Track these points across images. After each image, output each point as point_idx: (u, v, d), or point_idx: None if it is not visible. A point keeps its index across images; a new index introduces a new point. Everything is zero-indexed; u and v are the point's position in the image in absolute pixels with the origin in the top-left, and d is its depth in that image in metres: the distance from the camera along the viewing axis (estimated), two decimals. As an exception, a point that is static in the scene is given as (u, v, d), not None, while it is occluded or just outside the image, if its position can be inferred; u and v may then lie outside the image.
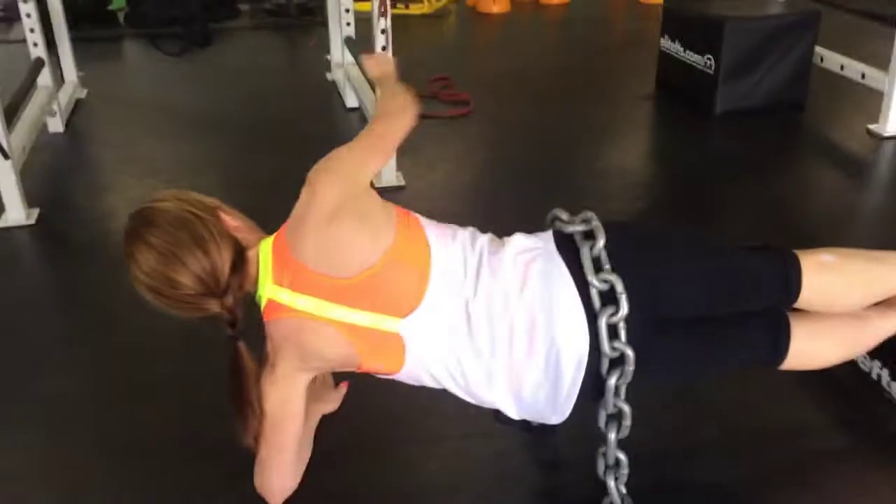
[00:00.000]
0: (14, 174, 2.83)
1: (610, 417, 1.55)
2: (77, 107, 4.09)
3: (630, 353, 1.45)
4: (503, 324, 1.47)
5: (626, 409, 1.52)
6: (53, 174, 3.36)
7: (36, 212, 2.92)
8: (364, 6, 5.90)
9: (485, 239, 1.56)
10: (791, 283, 1.62)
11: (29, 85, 3.29)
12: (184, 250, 1.40)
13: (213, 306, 1.44)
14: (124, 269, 1.43)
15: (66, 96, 4.00)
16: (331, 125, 3.86)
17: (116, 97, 4.34)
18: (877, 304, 1.74)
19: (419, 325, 1.48)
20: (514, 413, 1.58)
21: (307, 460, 1.71)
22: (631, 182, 3.24)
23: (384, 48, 3.01)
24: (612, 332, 1.46)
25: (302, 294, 1.45)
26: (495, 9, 5.98)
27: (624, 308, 1.44)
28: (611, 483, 1.59)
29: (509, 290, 1.47)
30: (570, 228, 1.53)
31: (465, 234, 1.56)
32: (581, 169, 3.34)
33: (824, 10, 3.83)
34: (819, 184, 3.25)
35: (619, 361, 1.47)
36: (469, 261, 1.50)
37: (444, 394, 1.57)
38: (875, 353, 1.92)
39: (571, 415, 1.53)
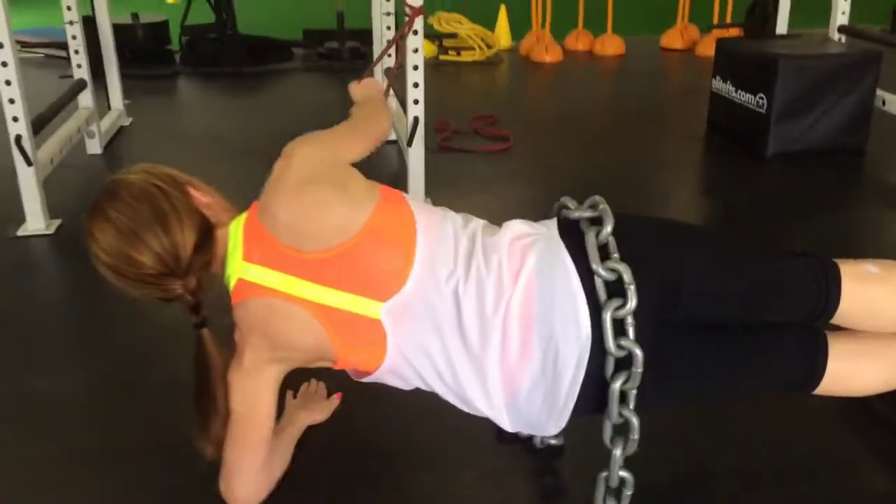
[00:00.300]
0: (37, 183, 2.81)
1: (615, 430, 1.36)
2: (119, 133, 4.11)
3: (639, 352, 1.28)
4: (496, 315, 1.31)
5: (635, 420, 1.33)
6: (82, 191, 3.32)
7: (57, 223, 2.89)
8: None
9: (479, 223, 1.42)
10: (830, 289, 1.43)
11: (65, 102, 3.31)
12: (144, 227, 1.30)
13: (176, 287, 1.33)
14: None
15: (109, 121, 4.03)
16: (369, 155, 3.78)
17: (160, 127, 4.37)
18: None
19: (402, 311, 1.33)
20: (507, 423, 1.40)
21: (281, 470, 1.57)
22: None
23: (416, 85, 2.89)
24: (619, 327, 1.29)
25: (272, 269, 1.32)
26: (548, 58, 5.92)
27: (632, 301, 1.27)
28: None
29: (503, 278, 1.32)
30: (576, 214, 1.38)
31: (457, 216, 1.42)
32: (621, 207, 3.16)
33: (887, 51, 3.63)
34: (877, 228, 3.01)
35: (625, 363, 1.29)
36: (460, 243, 1.35)
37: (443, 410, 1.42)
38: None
39: (579, 439, 1.35)
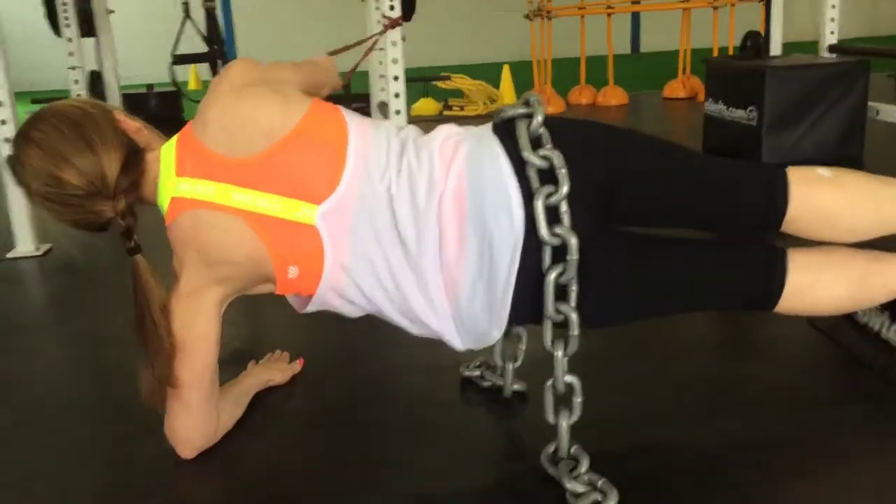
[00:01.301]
0: (26, 210, 2.86)
1: (555, 331, 1.29)
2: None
3: (573, 239, 1.23)
4: (430, 208, 1.28)
5: (573, 315, 1.26)
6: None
7: (46, 246, 2.92)
8: (424, 108, 6.10)
9: (413, 128, 1.41)
10: (777, 191, 1.38)
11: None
12: (69, 147, 1.30)
13: (105, 209, 1.32)
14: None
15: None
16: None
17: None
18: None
19: (338, 215, 1.30)
20: (457, 340, 1.35)
21: (231, 419, 1.52)
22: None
23: (396, 95, 2.94)
24: (553, 215, 1.24)
25: (204, 179, 1.31)
26: (550, 108, 6.01)
27: (564, 186, 1.23)
28: (563, 423, 1.31)
29: (435, 171, 1.29)
30: (510, 112, 1.35)
31: (390, 123, 1.41)
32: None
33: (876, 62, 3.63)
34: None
35: (560, 253, 1.24)
36: (392, 145, 1.34)
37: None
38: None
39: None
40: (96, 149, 1.30)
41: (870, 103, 3.59)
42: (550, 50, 6.19)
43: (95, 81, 4.34)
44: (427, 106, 6.17)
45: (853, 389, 1.62)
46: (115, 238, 1.37)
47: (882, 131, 3.69)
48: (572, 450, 1.32)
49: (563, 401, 1.33)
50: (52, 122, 1.33)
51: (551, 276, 1.24)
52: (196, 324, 1.37)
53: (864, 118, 3.56)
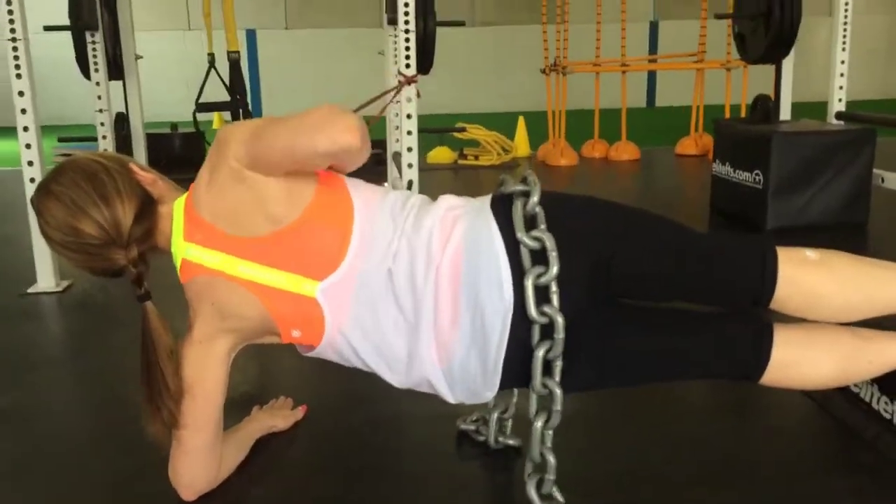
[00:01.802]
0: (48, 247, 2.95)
1: (539, 402, 1.35)
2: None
3: (560, 319, 1.30)
4: (427, 280, 1.35)
5: (558, 391, 1.33)
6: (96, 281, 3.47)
7: (67, 283, 3.02)
8: (440, 156, 6.22)
9: (419, 198, 1.48)
10: (766, 272, 1.43)
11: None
12: (86, 199, 1.39)
13: (119, 257, 1.40)
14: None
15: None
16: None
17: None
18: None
19: (338, 291, 1.37)
20: (448, 394, 1.41)
21: (233, 463, 1.59)
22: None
23: (409, 149, 3.03)
24: (543, 295, 1.31)
25: (211, 250, 1.39)
26: (563, 161, 6.11)
27: (554, 268, 1.30)
28: (531, 490, 1.36)
29: (433, 245, 1.37)
30: (509, 188, 1.43)
31: (399, 194, 1.48)
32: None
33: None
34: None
35: (548, 330, 1.31)
36: (397, 220, 1.41)
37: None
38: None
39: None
40: (111, 200, 1.39)
41: (875, 170, 3.66)
42: (565, 104, 6.31)
43: (121, 123, 4.48)
44: (443, 154, 6.29)
45: (845, 460, 1.67)
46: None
47: (887, 198, 3.75)
48: None
49: (539, 470, 1.38)
50: (70, 176, 1.41)
51: (539, 353, 1.31)
52: (206, 371, 1.44)
53: (870, 185, 3.63)
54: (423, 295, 1.35)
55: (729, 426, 1.81)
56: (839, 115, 4.03)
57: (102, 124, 3.86)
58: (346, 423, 1.86)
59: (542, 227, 1.35)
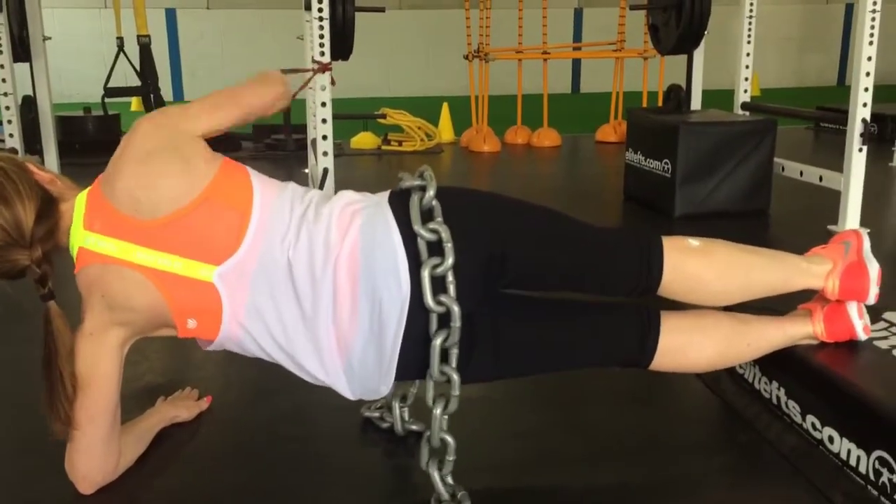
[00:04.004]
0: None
1: (437, 389, 1.40)
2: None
3: (456, 308, 1.34)
4: (325, 271, 1.37)
5: (455, 376, 1.37)
6: None
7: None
8: (364, 141, 6.21)
9: (317, 192, 1.50)
10: (652, 259, 1.51)
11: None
12: None
13: (22, 258, 1.38)
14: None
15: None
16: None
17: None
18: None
19: (236, 276, 1.39)
20: (347, 391, 1.45)
21: (133, 455, 1.58)
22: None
23: (325, 137, 3.03)
24: (440, 285, 1.35)
25: (107, 237, 1.38)
26: (486, 147, 6.18)
27: (449, 258, 1.35)
28: (434, 473, 1.41)
29: (331, 237, 1.39)
30: (406, 183, 1.46)
31: (297, 187, 1.50)
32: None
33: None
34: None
35: (446, 320, 1.35)
36: (295, 210, 1.43)
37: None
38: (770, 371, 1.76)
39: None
40: (11, 201, 1.36)
41: (776, 159, 3.83)
42: (487, 90, 6.37)
43: (29, 106, 4.34)
44: (367, 140, 6.28)
45: (725, 440, 1.77)
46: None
47: (787, 185, 3.92)
48: (459, 494, 1.42)
49: (438, 454, 1.43)
50: None
51: (437, 342, 1.35)
52: (98, 363, 1.43)
53: (771, 173, 3.79)
54: (321, 286, 1.38)
55: (626, 409, 1.89)
56: (744, 106, 4.19)
57: (8, 108, 3.74)
58: (250, 414, 1.87)
59: (439, 219, 1.38)
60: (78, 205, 1.43)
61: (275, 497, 1.53)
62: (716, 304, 1.60)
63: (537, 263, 1.47)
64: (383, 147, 6.20)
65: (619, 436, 1.75)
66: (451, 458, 1.42)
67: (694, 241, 1.56)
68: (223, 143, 6.19)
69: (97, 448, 1.47)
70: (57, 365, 1.40)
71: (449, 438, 1.42)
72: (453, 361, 1.37)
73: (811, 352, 1.67)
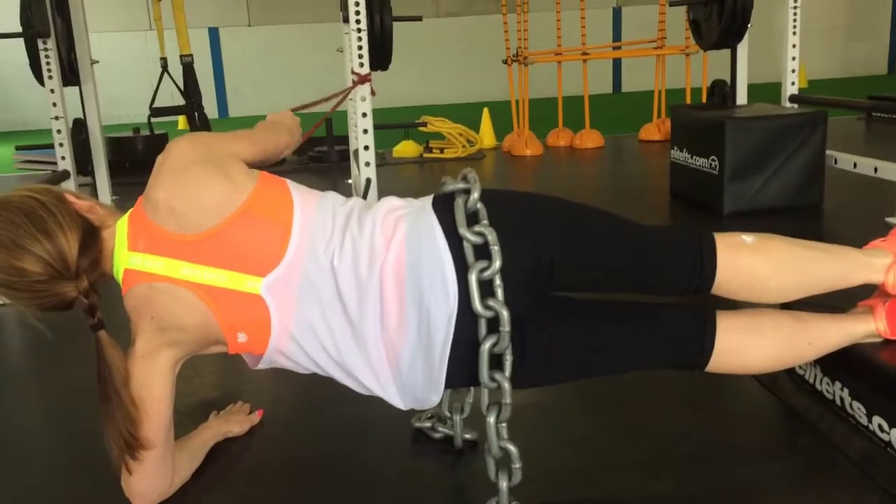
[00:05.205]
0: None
1: (490, 397, 1.38)
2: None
3: (505, 312, 1.32)
4: (371, 280, 1.36)
5: (507, 384, 1.35)
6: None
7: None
8: (405, 150, 6.23)
9: (358, 201, 1.50)
10: (705, 260, 1.47)
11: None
12: (25, 237, 1.36)
13: (69, 290, 1.39)
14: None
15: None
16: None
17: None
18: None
19: (283, 286, 1.38)
20: (398, 400, 1.43)
21: (187, 471, 1.60)
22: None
23: (366, 147, 3.05)
24: (487, 289, 1.33)
25: (153, 255, 1.39)
26: (528, 151, 6.14)
27: (497, 262, 1.33)
28: (503, 485, 1.38)
29: (376, 244, 1.38)
30: (450, 187, 1.45)
31: (337, 196, 1.50)
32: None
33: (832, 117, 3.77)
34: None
35: (494, 324, 1.33)
36: (337, 218, 1.42)
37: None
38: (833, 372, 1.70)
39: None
40: (52, 234, 1.36)
41: (828, 152, 3.73)
42: (527, 94, 6.34)
43: (79, 128, 4.44)
44: (408, 148, 6.29)
45: (787, 444, 1.71)
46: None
47: (840, 178, 3.81)
48: None
49: (502, 464, 1.40)
50: (5, 216, 1.38)
51: (485, 347, 1.33)
52: (151, 385, 1.44)
53: (823, 167, 3.69)
54: (367, 294, 1.37)
55: (680, 412, 1.84)
56: (793, 98, 4.09)
57: (59, 132, 3.82)
58: (302, 427, 1.87)
59: (484, 222, 1.37)
60: (120, 228, 1.44)
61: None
62: (772, 302, 1.55)
63: (586, 265, 1.45)
64: (425, 155, 6.20)
65: (675, 441, 1.71)
66: (516, 465, 1.39)
67: (748, 237, 1.52)
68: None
69: (153, 468, 1.47)
70: (115, 392, 1.40)
71: (510, 447, 1.39)
72: (506, 368, 1.35)
73: (875, 350, 1.61)
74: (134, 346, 1.44)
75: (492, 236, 1.34)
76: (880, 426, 1.57)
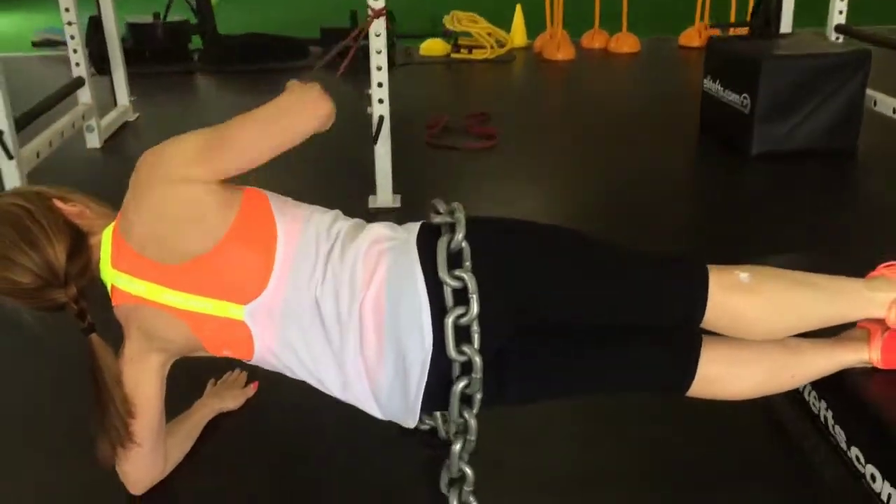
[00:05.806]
0: (20, 176, 2.95)
1: (457, 427, 1.40)
2: (124, 127, 4.27)
3: (478, 359, 1.32)
4: (351, 315, 1.36)
5: (473, 422, 1.37)
6: (76, 182, 3.43)
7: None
8: (433, 48, 6.02)
9: (345, 224, 1.46)
10: (696, 297, 1.43)
11: (59, 98, 3.46)
12: (12, 248, 1.36)
13: (59, 296, 1.40)
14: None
15: (114, 116, 4.19)
16: (361, 150, 3.82)
17: (166, 122, 4.48)
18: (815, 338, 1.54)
19: (265, 313, 1.39)
20: (377, 413, 1.46)
21: (181, 452, 1.67)
22: (650, 221, 3.02)
23: (380, 84, 2.93)
24: (463, 334, 1.32)
25: (137, 278, 1.39)
26: (560, 55, 5.91)
27: (474, 310, 1.31)
28: (453, 499, 1.44)
29: (357, 281, 1.37)
30: (437, 219, 1.41)
31: (323, 217, 1.46)
32: (605, 208, 3.20)
33: (879, 51, 3.55)
34: (861, 230, 2.89)
35: (467, 368, 1.33)
36: (321, 247, 1.40)
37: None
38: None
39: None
40: (39, 245, 1.37)
41: (868, 92, 3.53)
42: (563, -9, 6.03)
43: (96, 26, 4.34)
44: (436, 46, 6.08)
45: (775, 457, 1.71)
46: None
47: (878, 122, 3.63)
48: None
49: (455, 483, 1.46)
50: None
51: (457, 388, 1.34)
52: (140, 385, 1.48)
53: (861, 110, 3.51)
54: (347, 327, 1.37)
55: (678, 427, 1.80)
56: (839, 28, 3.86)
57: (73, 37, 3.72)
58: (292, 408, 1.86)
59: (467, 264, 1.34)
60: (105, 241, 1.43)
61: (313, 497, 1.61)
62: (760, 339, 1.52)
63: (572, 305, 1.43)
64: (453, 55, 6.00)
65: (664, 456, 1.72)
66: (467, 488, 1.45)
67: (744, 275, 1.46)
68: (290, 49, 6.09)
69: (144, 461, 1.54)
70: (108, 392, 1.44)
71: (467, 469, 1.44)
72: (474, 407, 1.37)
73: (864, 378, 1.58)
74: (124, 350, 1.48)
75: (472, 283, 1.32)
76: (857, 457, 1.57)
